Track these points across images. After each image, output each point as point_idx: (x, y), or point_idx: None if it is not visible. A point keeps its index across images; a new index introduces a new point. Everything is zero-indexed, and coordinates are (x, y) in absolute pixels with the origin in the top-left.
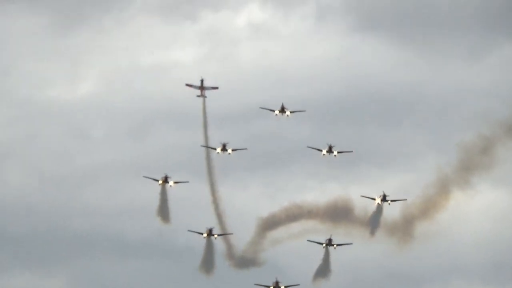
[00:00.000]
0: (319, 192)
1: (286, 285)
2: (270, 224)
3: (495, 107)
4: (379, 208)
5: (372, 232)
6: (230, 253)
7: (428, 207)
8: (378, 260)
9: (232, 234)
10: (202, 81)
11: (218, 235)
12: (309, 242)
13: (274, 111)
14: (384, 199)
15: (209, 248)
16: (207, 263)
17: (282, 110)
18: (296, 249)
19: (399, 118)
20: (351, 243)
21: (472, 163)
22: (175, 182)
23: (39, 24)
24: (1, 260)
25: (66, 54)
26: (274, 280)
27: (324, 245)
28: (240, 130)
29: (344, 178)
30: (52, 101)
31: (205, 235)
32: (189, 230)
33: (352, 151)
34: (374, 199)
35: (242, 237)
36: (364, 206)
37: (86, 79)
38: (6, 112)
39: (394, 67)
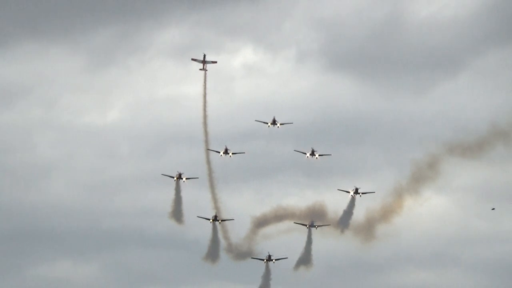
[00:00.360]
0: (299, 198)
1: (276, 258)
2: (261, 222)
3: (438, 131)
4: (352, 200)
5: (342, 231)
6: (230, 247)
7: (386, 211)
8: (348, 252)
9: (233, 219)
10: (204, 55)
11: (222, 220)
12: (293, 238)
13: (267, 123)
14: (356, 192)
15: (215, 235)
16: (212, 254)
17: (274, 122)
18: (282, 242)
19: (362, 139)
20: (329, 224)
21: (421, 176)
22: (187, 178)
23: (77, 64)
24: (48, 251)
25: (98, 88)
26: (267, 255)
27: (307, 226)
28: (236, 146)
29: (319, 187)
30: (87, 126)
31: (211, 220)
32: (198, 216)
33: (330, 154)
34: (348, 192)
35: (239, 232)
36: (335, 211)
37: (114, 108)
38: (51, 134)
39: (359, 99)
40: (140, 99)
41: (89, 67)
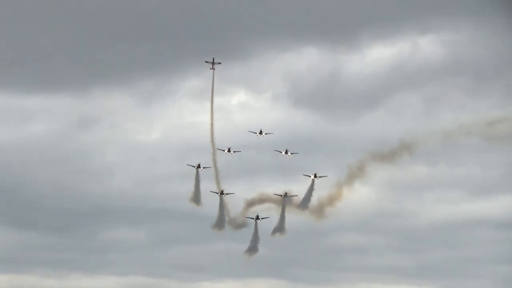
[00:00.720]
0: (275, 188)
1: (262, 217)
2: (250, 203)
3: (365, 145)
4: (312, 183)
5: (303, 210)
6: (229, 220)
7: (331, 198)
8: (307, 224)
9: (233, 193)
10: (213, 58)
11: (227, 193)
12: (272, 214)
13: (256, 133)
14: (315, 176)
15: (221, 210)
16: (219, 224)
17: (260, 132)
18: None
19: (316, 149)
20: (297, 195)
21: (353, 174)
22: (203, 167)
23: (132, 101)
24: (115, 221)
25: (146, 117)
26: (256, 215)
27: (282, 196)
28: (234, 154)
29: (288, 181)
30: (139, 141)
31: (219, 193)
32: (210, 191)
33: (298, 153)
34: (310, 176)
35: (235, 210)
36: (298, 197)
37: (156, 130)
38: (116, 147)
39: (313, 124)
40: (172, 124)
41: (140, 103)
